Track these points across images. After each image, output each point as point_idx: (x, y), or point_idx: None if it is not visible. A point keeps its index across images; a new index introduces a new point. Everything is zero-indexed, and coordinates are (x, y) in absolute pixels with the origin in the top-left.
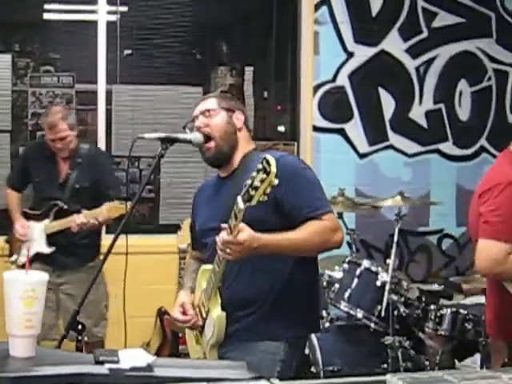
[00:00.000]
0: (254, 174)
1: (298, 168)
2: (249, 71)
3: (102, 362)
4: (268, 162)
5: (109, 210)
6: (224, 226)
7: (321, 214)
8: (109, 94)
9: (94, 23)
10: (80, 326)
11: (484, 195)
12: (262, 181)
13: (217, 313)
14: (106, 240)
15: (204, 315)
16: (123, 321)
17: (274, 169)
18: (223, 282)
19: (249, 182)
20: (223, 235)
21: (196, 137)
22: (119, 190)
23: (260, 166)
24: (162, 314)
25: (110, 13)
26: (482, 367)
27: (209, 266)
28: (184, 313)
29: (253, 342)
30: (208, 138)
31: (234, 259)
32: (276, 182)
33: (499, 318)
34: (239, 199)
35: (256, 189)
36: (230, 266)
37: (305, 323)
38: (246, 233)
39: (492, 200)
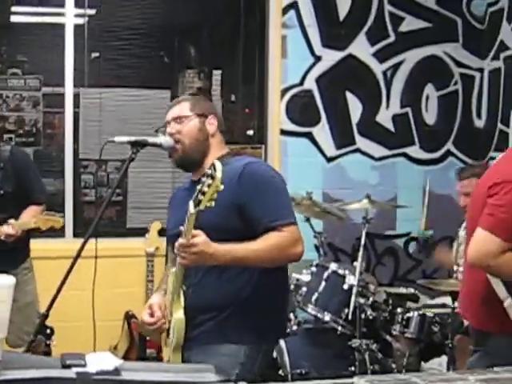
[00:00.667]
0: (204, 178)
1: (264, 176)
2: (217, 74)
3: (69, 366)
4: (214, 168)
5: (42, 221)
6: (182, 229)
7: (281, 225)
8: (76, 96)
9: (62, 26)
10: (48, 331)
11: (494, 188)
12: (209, 186)
13: (177, 316)
14: (73, 244)
15: (169, 318)
16: (92, 324)
17: (219, 174)
18: (189, 286)
19: (199, 186)
20: (180, 239)
21: (166, 141)
22: (44, 194)
23: (208, 172)
24: (129, 317)
25: (77, 16)
26: (448, 369)
27: (174, 269)
28: (152, 315)
29: (214, 344)
30: (178, 142)
31: (188, 264)
32: (222, 187)
33: (477, 303)
34: (190, 203)
35: (204, 194)
36: (195, 270)
37: (269, 329)
38: (200, 238)
39: (501, 195)
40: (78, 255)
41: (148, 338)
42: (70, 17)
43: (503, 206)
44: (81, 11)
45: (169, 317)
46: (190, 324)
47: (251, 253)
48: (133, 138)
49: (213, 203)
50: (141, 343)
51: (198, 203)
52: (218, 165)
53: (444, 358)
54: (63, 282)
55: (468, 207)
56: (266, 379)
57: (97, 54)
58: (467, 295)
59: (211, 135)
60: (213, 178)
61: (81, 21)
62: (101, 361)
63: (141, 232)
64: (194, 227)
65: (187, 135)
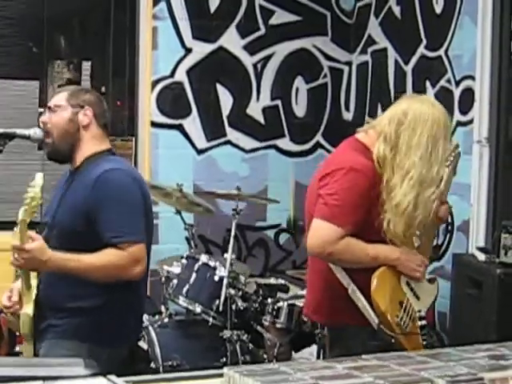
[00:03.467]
0: (29, 188)
1: (119, 187)
2: (86, 66)
3: None
4: (35, 180)
5: None
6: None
7: (124, 242)
8: None
9: None
10: None
11: (324, 179)
12: (32, 198)
13: (24, 310)
14: None
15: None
16: None
17: (37, 189)
18: (39, 281)
19: (25, 195)
20: (13, 240)
21: (35, 132)
22: None
23: (31, 183)
24: None
25: None
26: (318, 358)
27: None
28: (10, 298)
29: (59, 339)
30: (47, 133)
31: (19, 267)
32: (41, 201)
33: (323, 299)
34: (21, 210)
35: (27, 204)
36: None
37: (115, 334)
38: (35, 243)
39: (331, 184)
40: None
41: (18, 333)
42: None
43: (334, 193)
44: None
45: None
46: (40, 316)
47: (83, 266)
48: (0, 130)
49: (35, 215)
50: (10, 339)
51: (24, 211)
52: (40, 178)
53: (314, 348)
54: None
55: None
56: (137, 372)
57: None
58: (313, 294)
59: (83, 127)
60: (34, 190)
61: None
62: None
63: (9, 226)
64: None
65: (55, 125)
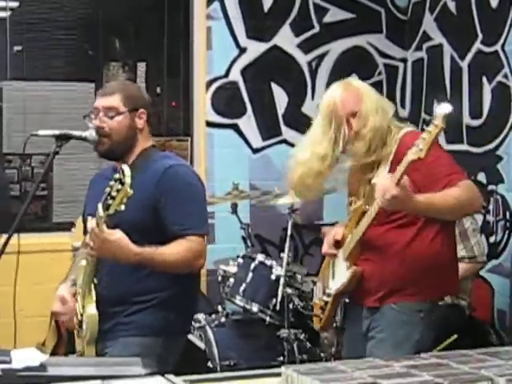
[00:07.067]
0: (112, 182)
1: (183, 182)
2: (141, 67)
3: None
4: (123, 173)
5: None
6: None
7: (190, 233)
8: None
9: None
10: None
11: None
12: (118, 191)
13: (89, 311)
14: None
15: (81, 311)
16: (18, 321)
17: (127, 180)
18: (100, 279)
19: (108, 189)
20: (92, 223)
21: (91, 134)
22: None
23: (117, 176)
24: None
25: None
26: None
27: (84, 263)
28: (64, 303)
29: (129, 337)
30: (104, 136)
31: (96, 254)
32: (131, 192)
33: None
34: (99, 206)
35: (113, 198)
36: (102, 263)
37: (180, 322)
38: (117, 233)
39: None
40: (3, 251)
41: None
42: None
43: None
44: (3, 4)
45: (81, 310)
46: (104, 316)
47: (161, 258)
48: (57, 132)
49: (122, 207)
50: (69, 338)
51: (107, 207)
52: (127, 170)
53: None
54: None
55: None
56: (193, 371)
57: (19, 48)
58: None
59: (139, 130)
60: (122, 183)
61: (3, 14)
62: (26, 357)
63: (67, 226)
64: (108, 226)
65: (116, 132)
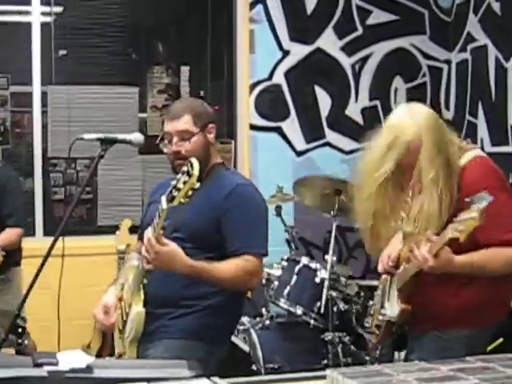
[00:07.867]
0: (179, 175)
1: (251, 202)
2: (185, 70)
3: (40, 365)
4: (192, 165)
5: None
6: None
7: (250, 254)
8: (44, 95)
9: (28, 24)
10: (20, 330)
11: None
12: (185, 183)
13: (137, 309)
14: (43, 243)
15: (127, 310)
16: (64, 323)
17: (196, 172)
18: (150, 280)
19: (173, 182)
20: (148, 233)
21: (136, 137)
22: (21, 217)
23: (185, 169)
24: None
25: (44, 14)
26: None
27: (136, 263)
28: (106, 313)
29: (171, 339)
30: (184, 160)
31: (151, 267)
32: (198, 185)
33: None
34: (163, 199)
35: (178, 190)
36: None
37: (224, 330)
38: (171, 244)
39: None
40: (48, 254)
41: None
42: (37, 15)
43: None
44: (47, 9)
45: (127, 309)
46: (149, 317)
47: (216, 277)
48: (102, 135)
49: (187, 200)
50: (113, 341)
51: (171, 199)
52: (195, 162)
53: None
54: (34, 281)
55: None
56: (238, 374)
57: (64, 52)
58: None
59: (211, 144)
60: (189, 175)
61: (47, 19)
62: (72, 359)
63: (111, 230)
64: (162, 227)
65: (193, 153)
